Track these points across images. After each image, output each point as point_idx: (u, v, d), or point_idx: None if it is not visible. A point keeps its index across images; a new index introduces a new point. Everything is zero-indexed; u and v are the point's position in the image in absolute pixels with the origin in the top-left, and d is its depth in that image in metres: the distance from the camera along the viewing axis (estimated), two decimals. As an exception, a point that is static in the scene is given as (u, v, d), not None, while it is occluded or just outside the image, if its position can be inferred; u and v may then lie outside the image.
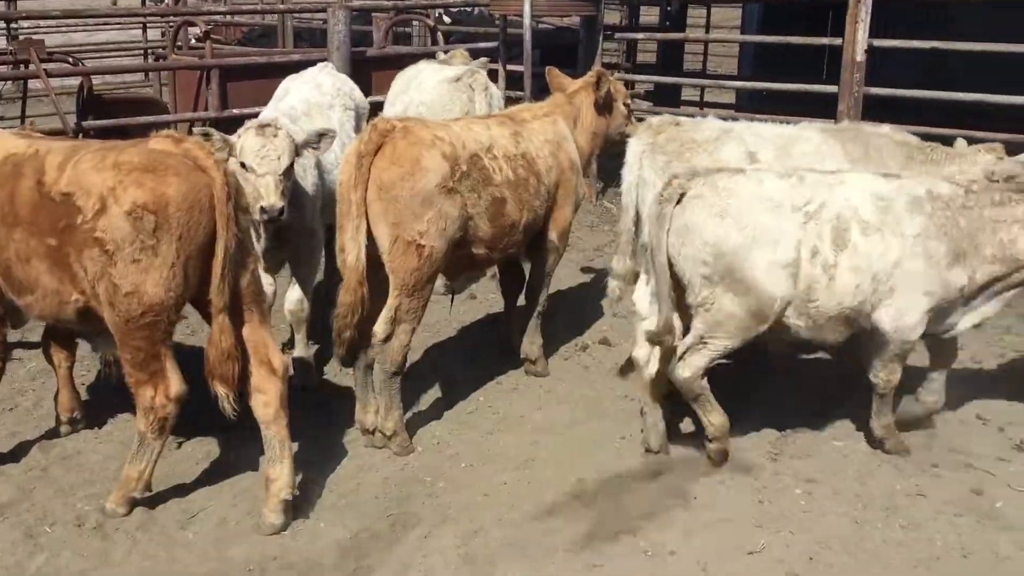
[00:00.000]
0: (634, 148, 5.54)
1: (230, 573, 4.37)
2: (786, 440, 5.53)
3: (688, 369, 4.93)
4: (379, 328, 5.19)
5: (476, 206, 5.35)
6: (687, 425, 5.65)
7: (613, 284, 5.97)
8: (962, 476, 5.13)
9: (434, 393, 6.19)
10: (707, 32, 15.26)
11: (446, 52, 9.33)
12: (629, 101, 6.82)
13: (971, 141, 6.15)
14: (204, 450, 5.38)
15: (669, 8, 12.88)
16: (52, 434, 5.54)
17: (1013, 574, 4.32)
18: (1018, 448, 5.42)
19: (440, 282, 8.21)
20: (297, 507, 4.77)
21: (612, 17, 18.49)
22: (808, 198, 4.80)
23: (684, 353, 4.95)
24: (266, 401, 4.64)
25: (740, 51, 15.82)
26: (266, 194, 5.42)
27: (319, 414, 5.86)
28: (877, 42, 8.92)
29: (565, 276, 8.62)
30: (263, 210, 5.42)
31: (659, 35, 12.78)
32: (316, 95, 7.07)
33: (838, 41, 9.08)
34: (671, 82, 12.18)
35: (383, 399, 5.32)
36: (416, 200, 5.02)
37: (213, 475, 5.13)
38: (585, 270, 8.73)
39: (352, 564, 4.42)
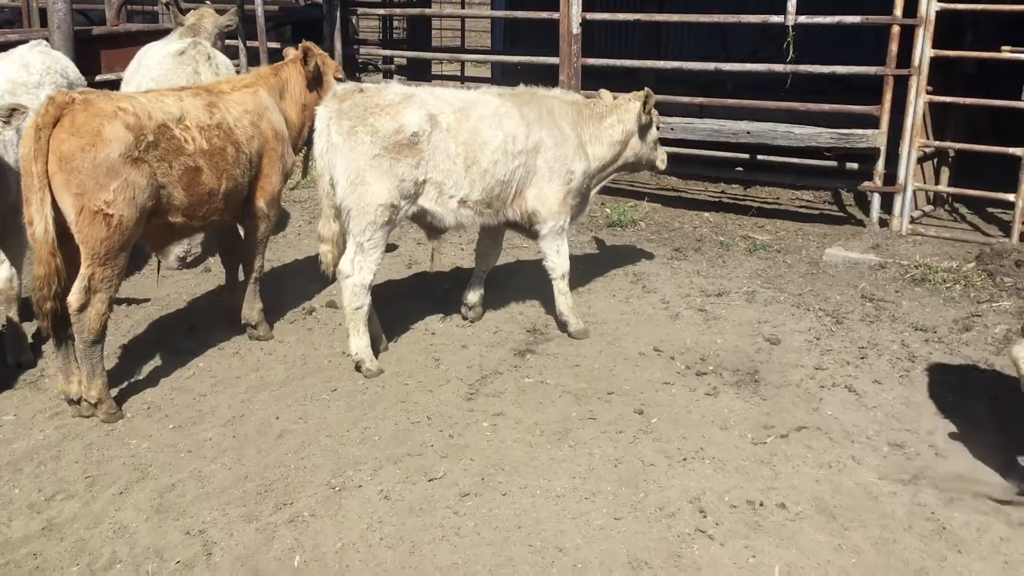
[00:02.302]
0: (322, 115, 5.82)
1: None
2: (484, 381, 6.03)
3: None
4: (73, 298, 5.27)
5: (167, 175, 5.50)
6: (393, 368, 6.07)
7: (323, 248, 6.28)
8: (629, 400, 5.78)
9: (154, 362, 6.33)
10: (463, 8, 15.74)
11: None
12: (341, 75, 7.10)
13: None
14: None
15: (415, -17, 13.25)
16: None
17: (655, 476, 4.96)
18: (680, 374, 6.14)
19: (173, 256, 8.29)
20: (-8, 478, 4.83)
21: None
22: None
23: None
24: None
25: (492, 27, 16.42)
26: None
27: (30, 389, 5.90)
28: (589, 15, 9.61)
29: (308, 245, 8.88)
30: None
31: (399, 11, 13.14)
32: (23, 74, 6.96)
33: (556, 15, 9.71)
34: (411, 56, 12.52)
35: (85, 368, 5.41)
36: (99, 170, 5.12)
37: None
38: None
39: (40, 524, 4.55)
